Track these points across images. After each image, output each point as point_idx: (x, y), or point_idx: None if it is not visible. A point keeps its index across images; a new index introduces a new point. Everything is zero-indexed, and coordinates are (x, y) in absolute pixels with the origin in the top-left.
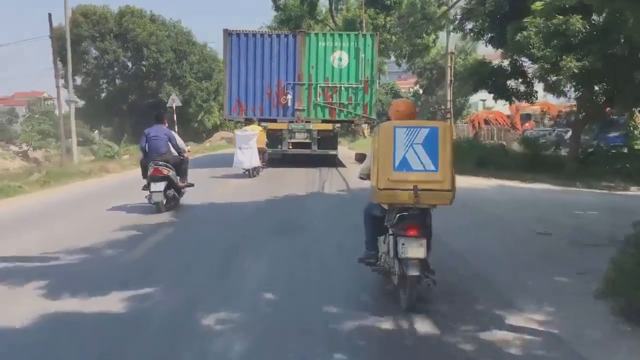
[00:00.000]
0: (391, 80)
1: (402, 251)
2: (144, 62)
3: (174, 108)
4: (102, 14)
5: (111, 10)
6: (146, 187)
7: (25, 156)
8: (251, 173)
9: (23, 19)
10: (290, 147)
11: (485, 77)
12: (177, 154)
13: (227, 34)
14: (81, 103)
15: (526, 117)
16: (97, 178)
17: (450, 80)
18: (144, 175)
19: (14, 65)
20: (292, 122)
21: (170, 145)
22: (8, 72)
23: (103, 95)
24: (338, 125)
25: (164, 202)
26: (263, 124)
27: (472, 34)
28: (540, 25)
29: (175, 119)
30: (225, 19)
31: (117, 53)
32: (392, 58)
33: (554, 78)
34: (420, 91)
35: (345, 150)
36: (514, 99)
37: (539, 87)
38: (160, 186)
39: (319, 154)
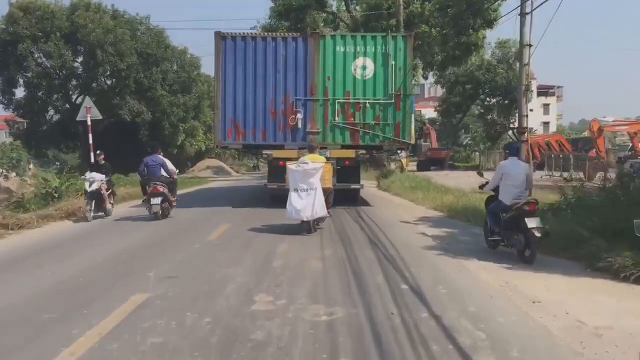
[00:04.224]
0: None
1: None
2: (99, 69)
3: (89, 124)
4: (46, 7)
5: (62, 5)
6: (145, 201)
7: None
8: (311, 227)
9: None
10: None
11: None
12: (168, 176)
13: (220, 37)
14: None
15: (584, 142)
16: None
17: (527, 84)
18: (144, 192)
19: None
20: (304, 148)
21: (163, 169)
22: None
23: (52, 112)
24: (362, 151)
25: (160, 213)
26: (266, 151)
27: None
28: None
29: (90, 140)
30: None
31: (65, 57)
32: (419, 64)
33: None
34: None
35: (370, 189)
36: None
37: None
38: (158, 200)
39: (338, 189)
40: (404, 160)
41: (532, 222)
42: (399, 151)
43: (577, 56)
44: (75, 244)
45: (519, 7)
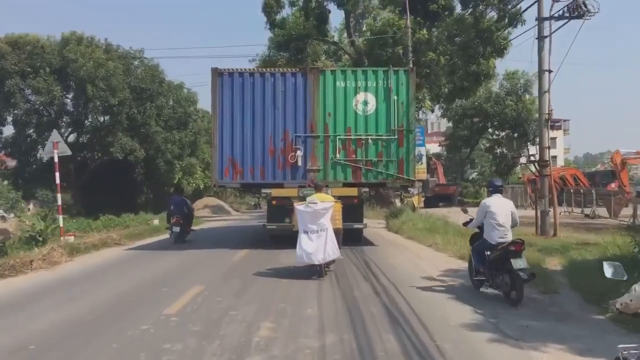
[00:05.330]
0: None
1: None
2: (90, 105)
3: (57, 161)
4: (36, 41)
5: (53, 39)
6: (168, 229)
7: None
8: (322, 271)
9: None
10: None
11: None
12: (187, 212)
13: (217, 74)
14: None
15: (601, 175)
16: None
17: (549, 113)
18: (168, 222)
19: None
20: (304, 186)
21: (183, 207)
22: None
23: (42, 151)
24: (365, 189)
25: (178, 237)
26: (265, 190)
27: None
28: None
29: (58, 179)
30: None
31: (54, 93)
32: (426, 96)
33: None
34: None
35: (378, 230)
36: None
37: None
38: (178, 228)
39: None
40: (415, 199)
41: (518, 263)
42: (409, 188)
43: (582, 87)
44: None
45: (536, 30)
